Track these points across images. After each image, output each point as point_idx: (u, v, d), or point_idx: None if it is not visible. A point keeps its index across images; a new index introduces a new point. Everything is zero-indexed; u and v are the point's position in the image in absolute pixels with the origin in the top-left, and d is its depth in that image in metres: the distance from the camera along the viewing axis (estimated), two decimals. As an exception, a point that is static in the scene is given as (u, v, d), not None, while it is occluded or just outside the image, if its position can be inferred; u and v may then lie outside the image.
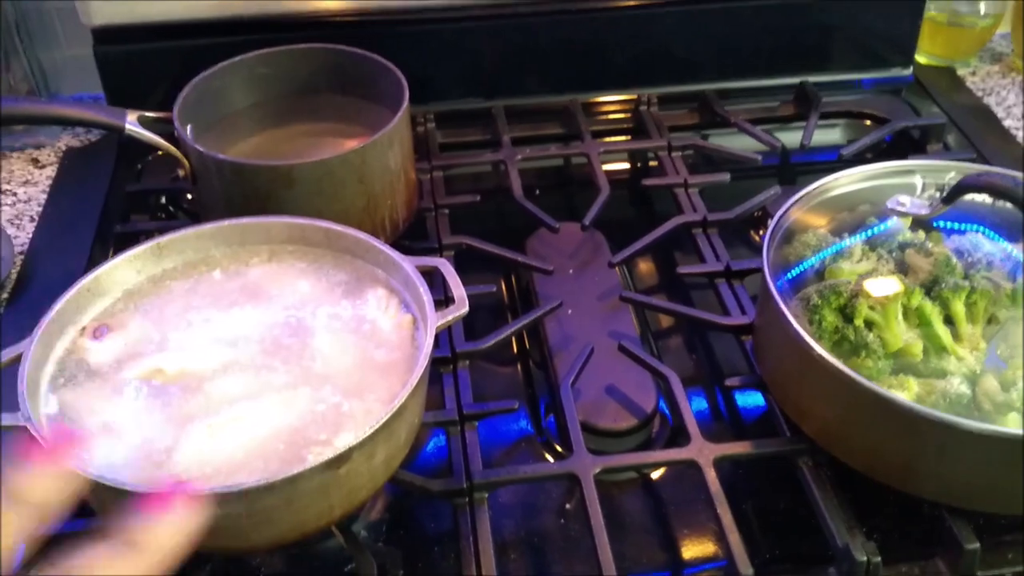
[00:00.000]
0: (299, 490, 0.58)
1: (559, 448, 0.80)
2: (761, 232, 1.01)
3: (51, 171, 1.06)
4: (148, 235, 0.93)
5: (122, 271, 0.73)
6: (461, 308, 0.69)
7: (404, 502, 0.75)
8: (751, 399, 0.82)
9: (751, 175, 1.07)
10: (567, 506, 0.75)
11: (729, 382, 0.77)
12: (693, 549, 0.72)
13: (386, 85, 0.91)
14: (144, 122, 0.84)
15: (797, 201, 0.79)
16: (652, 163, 1.09)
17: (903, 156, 1.03)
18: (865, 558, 0.64)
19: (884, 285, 0.73)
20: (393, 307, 0.71)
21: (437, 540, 0.73)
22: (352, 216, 0.83)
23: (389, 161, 0.85)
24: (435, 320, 0.67)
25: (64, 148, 1.10)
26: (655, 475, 0.77)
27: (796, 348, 0.68)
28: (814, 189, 0.80)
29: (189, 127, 0.86)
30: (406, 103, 0.86)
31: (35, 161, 1.08)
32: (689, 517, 0.74)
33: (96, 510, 0.64)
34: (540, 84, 1.12)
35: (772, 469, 0.75)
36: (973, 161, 1.00)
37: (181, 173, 0.85)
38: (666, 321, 0.92)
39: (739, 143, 1.08)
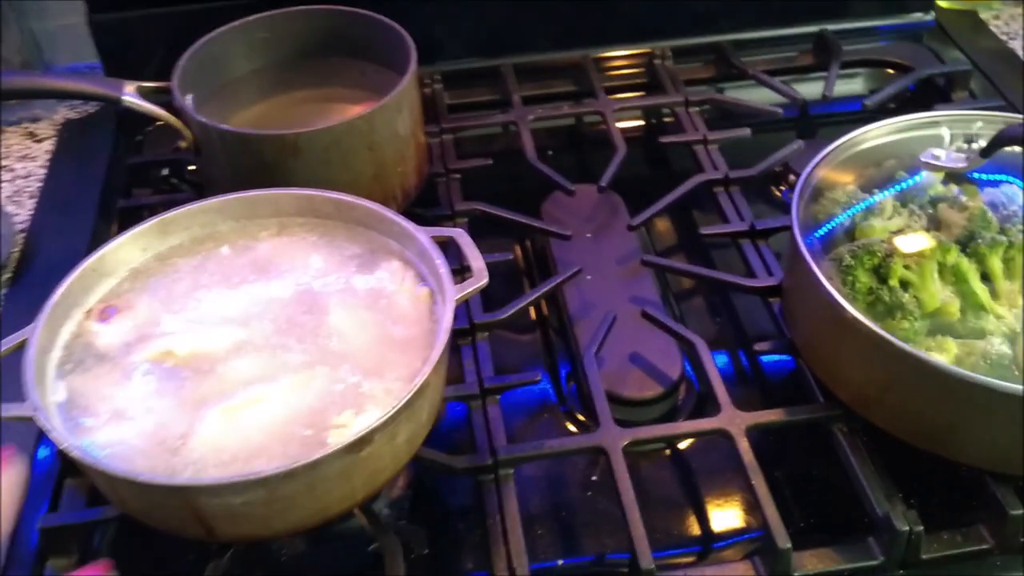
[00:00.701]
0: (321, 475, 0.56)
1: (581, 417, 0.77)
2: (782, 187, 0.98)
3: (49, 145, 1.03)
4: (152, 209, 0.92)
5: (127, 250, 0.70)
6: (480, 280, 0.66)
7: (426, 478, 0.73)
8: (779, 362, 0.80)
9: (768, 128, 1.03)
10: (593, 478, 0.73)
11: (758, 347, 0.75)
12: (725, 520, 0.70)
13: (391, 46, 0.88)
14: (143, 92, 0.81)
15: (824, 157, 0.75)
16: (667, 119, 1.06)
17: (927, 104, 1.00)
18: (907, 528, 0.62)
19: (918, 241, 0.70)
20: (409, 280, 0.69)
21: (461, 515, 0.71)
22: (362, 185, 0.80)
23: (398, 126, 0.82)
24: (454, 293, 0.64)
25: (62, 121, 1.06)
26: (683, 444, 0.75)
27: (829, 311, 0.65)
28: (841, 144, 0.76)
29: (190, 96, 0.83)
30: (414, 65, 0.83)
31: (32, 135, 1.05)
32: (719, 487, 0.72)
33: (109, 498, 0.62)
34: (549, 40, 1.08)
35: (803, 435, 0.73)
36: (1000, 109, 0.96)
37: (183, 145, 0.82)
38: (687, 283, 0.89)
39: (755, 95, 1.05)
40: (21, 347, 0.62)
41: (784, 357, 0.77)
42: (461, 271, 0.76)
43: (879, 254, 0.68)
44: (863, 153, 0.78)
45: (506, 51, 1.07)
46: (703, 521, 0.70)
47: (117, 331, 0.66)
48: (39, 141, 1.04)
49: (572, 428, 0.77)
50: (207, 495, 0.55)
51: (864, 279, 0.68)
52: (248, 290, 0.69)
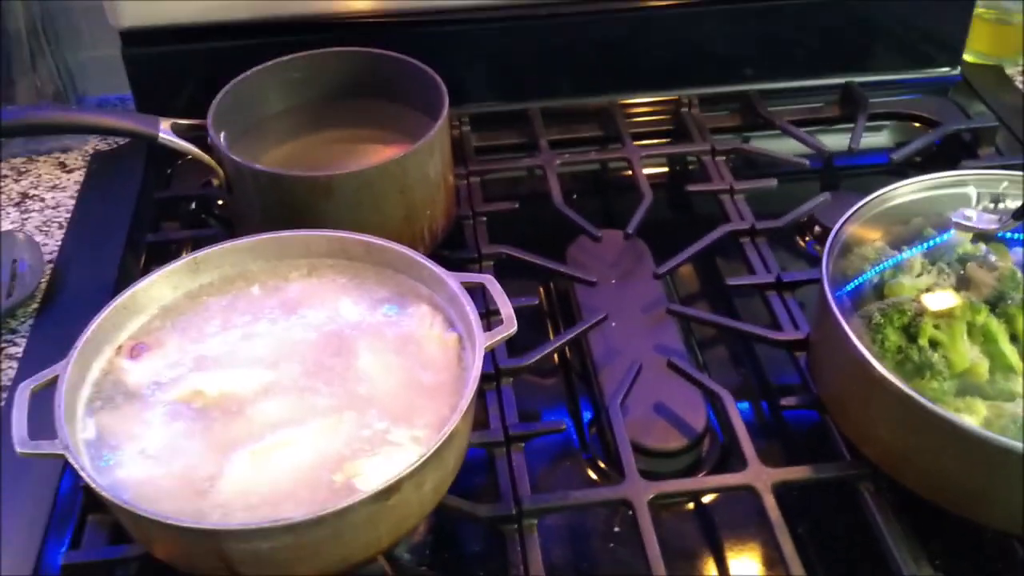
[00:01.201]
0: (348, 522, 0.56)
1: (603, 465, 0.77)
2: (807, 238, 0.98)
3: (79, 176, 1.04)
4: (180, 244, 0.93)
5: (158, 287, 0.71)
6: (509, 328, 0.66)
7: (446, 524, 0.73)
8: (803, 416, 0.79)
9: (791, 178, 1.03)
10: (615, 529, 0.73)
11: (785, 402, 0.75)
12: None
13: (422, 89, 0.89)
14: (177, 130, 0.81)
15: (854, 213, 0.75)
16: (691, 166, 1.06)
17: (953, 159, 1.01)
18: (934, 592, 0.61)
19: (946, 300, 0.70)
20: (438, 325, 0.69)
21: (481, 563, 0.71)
22: (391, 227, 0.81)
23: (429, 170, 0.82)
24: (483, 341, 0.65)
25: (92, 152, 1.07)
26: (706, 497, 0.75)
27: (859, 369, 0.65)
28: (870, 201, 0.76)
29: (223, 134, 0.83)
30: (446, 110, 0.83)
31: (62, 165, 1.06)
32: (742, 541, 0.71)
33: (135, 537, 0.62)
34: (577, 85, 1.09)
35: (827, 491, 0.72)
36: (1027, 166, 0.96)
37: (215, 182, 0.83)
38: (710, 331, 0.89)
39: (779, 145, 1.05)
40: (52, 383, 0.63)
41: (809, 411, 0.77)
42: (487, 315, 0.76)
43: (909, 312, 0.68)
44: (891, 210, 0.78)
45: (533, 95, 1.08)
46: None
47: (147, 369, 0.67)
48: (69, 172, 1.05)
49: (593, 476, 0.77)
50: (235, 539, 0.55)
51: (893, 337, 0.68)
52: (277, 331, 0.69)
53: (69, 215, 0.99)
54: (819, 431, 0.75)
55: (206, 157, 0.81)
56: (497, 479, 0.70)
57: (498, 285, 0.70)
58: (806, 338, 0.79)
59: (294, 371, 0.66)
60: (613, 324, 0.85)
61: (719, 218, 0.94)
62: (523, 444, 0.72)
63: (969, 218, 0.72)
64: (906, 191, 0.77)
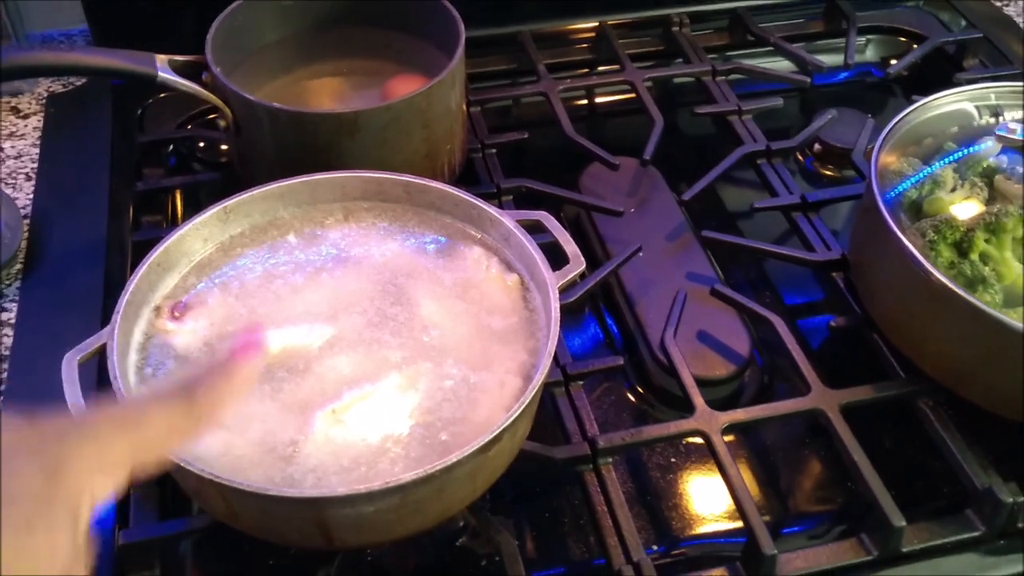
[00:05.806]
0: (452, 477, 0.54)
1: (641, 390, 0.77)
2: (801, 155, 0.98)
3: (36, 121, 0.95)
4: (170, 192, 0.87)
5: (189, 241, 0.66)
6: (577, 267, 0.64)
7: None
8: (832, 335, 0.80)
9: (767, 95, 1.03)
10: (672, 459, 0.73)
11: (835, 323, 0.75)
12: (817, 500, 0.70)
13: (417, 13, 0.85)
14: (174, 67, 0.75)
15: (888, 133, 0.75)
16: (676, 86, 1.04)
17: (940, 72, 1.01)
18: (1011, 499, 0.63)
19: (973, 209, 0.72)
20: (495, 267, 0.66)
21: (553, 502, 0.69)
22: (415, 164, 0.77)
23: (451, 102, 0.78)
24: (555, 281, 0.62)
25: (46, 94, 0.98)
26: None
27: (920, 284, 0.66)
28: (900, 120, 0.76)
29: (218, 71, 0.77)
30: (463, 34, 0.79)
31: (15, 110, 0.97)
32: (808, 466, 0.72)
33: (214, 511, 0.58)
34: (565, 6, 1.05)
35: (874, 409, 0.73)
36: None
37: (221, 123, 0.77)
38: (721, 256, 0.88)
39: (762, 62, 1.04)
40: (99, 352, 0.58)
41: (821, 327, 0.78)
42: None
43: (961, 228, 0.69)
44: (917, 127, 0.78)
45: (518, 19, 1.03)
46: (798, 502, 0.70)
47: (194, 329, 0.62)
48: (24, 117, 0.96)
49: (641, 406, 0.76)
50: (339, 505, 0.52)
51: (946, 253, 0.69)
52: (327, 281, 0.65)
53: (35, 165, 0.91)
54: (855, 349, 0.75)
55: (212, 97, 0.75)
56: (561, 419, 0.69)
57: (556, 221, 0.67)
58: (841, 257, 0.79)
59: (356, 323, 0.62)
60: (641, 254, 0.83)
61: (718, 139, 0.94)
62: (582, 382, 0.71)
63: (1013, 131, 0.73)
64: (945, 102, 0.77)
